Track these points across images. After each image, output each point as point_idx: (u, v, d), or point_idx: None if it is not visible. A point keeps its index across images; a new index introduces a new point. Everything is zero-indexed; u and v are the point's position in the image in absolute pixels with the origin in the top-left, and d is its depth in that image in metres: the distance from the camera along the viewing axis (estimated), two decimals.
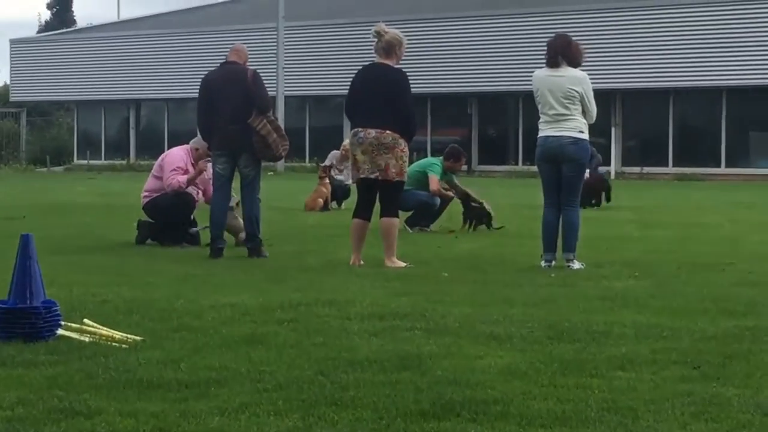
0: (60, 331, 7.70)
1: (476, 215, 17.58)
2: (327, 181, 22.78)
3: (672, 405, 5.87)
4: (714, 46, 41.67)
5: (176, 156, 15.25)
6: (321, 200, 22.27)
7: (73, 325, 7.85)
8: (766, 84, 41.18)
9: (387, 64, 12.43)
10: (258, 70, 14.00)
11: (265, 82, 13.87)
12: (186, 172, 14.87)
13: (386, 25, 12.82)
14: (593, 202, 23.22)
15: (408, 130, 12.45)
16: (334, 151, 24.14)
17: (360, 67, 12.84)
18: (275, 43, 44.60)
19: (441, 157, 18.21)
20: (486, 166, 44.75)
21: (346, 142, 19.22)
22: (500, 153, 46.40)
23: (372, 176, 12.40)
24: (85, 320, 8.00)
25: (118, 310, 8.83)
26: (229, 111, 13.31)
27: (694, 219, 20.93)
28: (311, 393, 6.12)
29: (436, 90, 45.14)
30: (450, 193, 17.78)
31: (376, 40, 12.46)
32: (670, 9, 42.97)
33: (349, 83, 12.80)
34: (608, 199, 23.74)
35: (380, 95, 12.38)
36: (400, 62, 12.61)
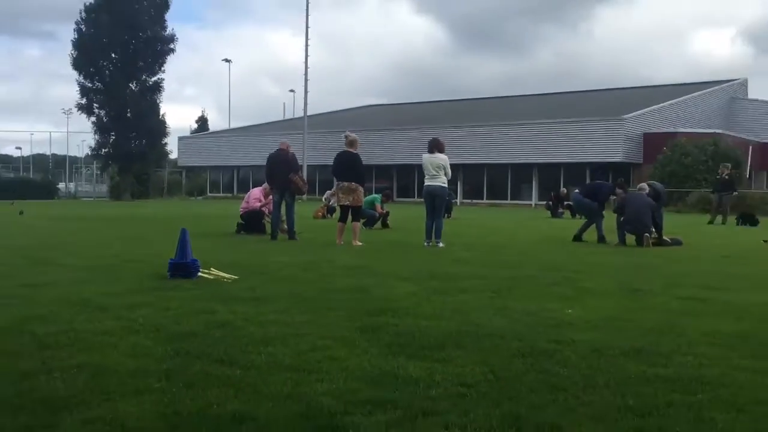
0: (199, 274, 7.68)
1: (384, 221, 17.59)
2: (323, 205, 22.88)
3: (485, 309, 5.88)
4: (503, 146, 42.00)
5: (256, 192, 15.35)
6: (320, 213, 22.25)
7: (206, 270, 7.83)
8: (525, 162, 41.52)
9: (350, 151, 12.40)
10: (294, 153, 13.99)
11: (297, 157, 13.90)
12: (260, 200, 14.97)
13: (350, 131, 13.02)
14: (447, 215, 23.19)
15: (360, 181, 12.47)
16: (328, 191, 24.17)
17: (338, 152, 12.78)
18: (302, 140, 44.64)
19: (380, 195, 18.41)
20: (401, 198, 44.64)
21: (333, 188, 19.17)
22: (407, 192, 46.31)
23: (347, 203, 12.43)
24: (212, 268, 7.97)
25: (226, 264, 8.78)
26: (280, 171, 13.22)
27: (495, 224, 21.05)
28: (317, 303, 6.11)
29: (377, 162, 45.20)
30: (382, 212, 17.83)
31: (345, 138, 12.55)
32: (485, 127, 43.35)
33: (333, 160, 12.74)
34: (449, 215, 23.76)
35: (348, 166, 12.36)
36: (359, 150, 12.65)
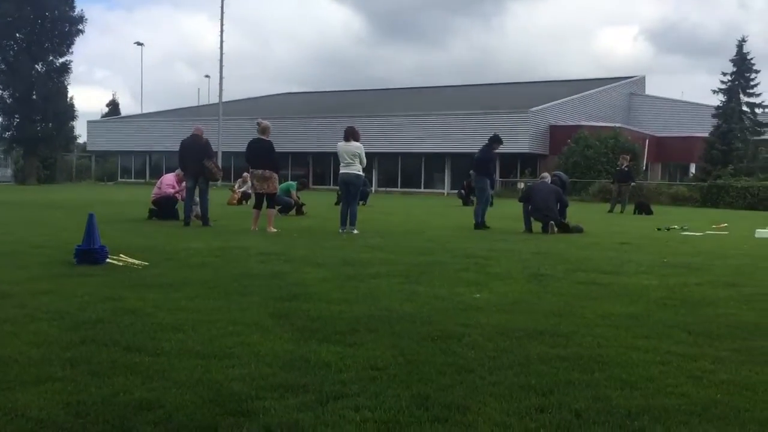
0: (108, 260, 7.42)
1: (299, 208, 17.52)
2: (236, 189, 22.56)
3: (396, 294, 5.93)
4: (417, 135, 42.43)
5: (169, 177, 15.04)
6: (235, 200, 21.91)
7: (114, 257, 7.57)
8: (440, 152, 42.10)
9: (263, 138, 12.27)
10: (208, 139, 13.73)
11: (211, 143, 13.71)
12: (173, 186, 14.67)
13: (263, 118, 12.88)
14: (363, 203, 23.31)
15: (275, 169, 12.36)
16: (240, 179, 23.84)
17: (251, 139, 12.56)
18: (217, 125, 43.70)
19: (296, 182, 18.35)
20: (317, 185, 44.38)
21: (246, 174, 18.87)
22: (323, 179, 46.11)
23: (261, 191, 12.30)
24: (121, 255, 7.71)
25: (136, 250, 8.51)
26: (193, 157, 12.96)
27: (409, 212, 21.23)
28: (229, 289, 6.02)
29: (292, 150, 44.77)
30: (297, 199, 17.70)
31: (257, 126, 12.40)
32: (400, 117, 43.66)
33: (246, 147, 12.49)
34: (365, 203, 23.85)
35: (261, 153, 12.22)
36: (272, 137, 12.52)
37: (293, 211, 17.53)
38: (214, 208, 14.97)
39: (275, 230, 12.05)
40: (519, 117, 40.09)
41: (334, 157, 42.51)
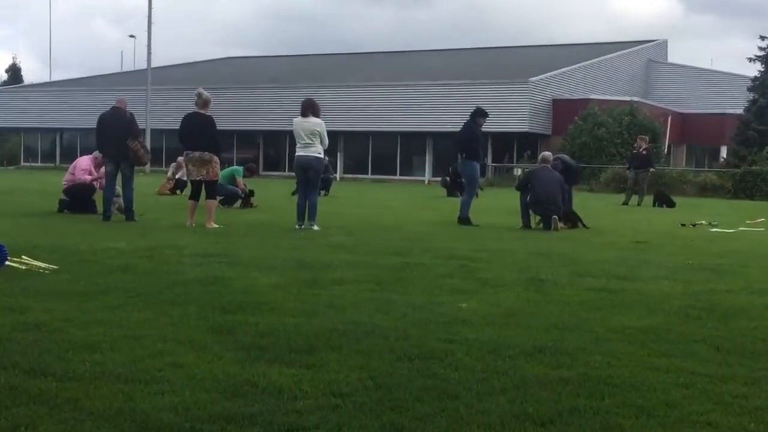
0: (7, 263, 7.35)
1: (247, 200, 17.49)
2: (168, 178, 22.57)
3: (365, 305, 5.97)
4: (393, 110, 42.52)
5: (84, 161, 15.02)
6: (167, 189, 21.85)
7: (16, 259, 7.50)
8: (420, 131, 42.29)
9: (202, 113, 12.26)
10: (133, 113, 13.68)
11: (137, 119, 13.70)
12: (89, 172, 14.63)
13: (204, 89, 12.83)
14: (325, 193, 23.40)
15: (216, 150, 12.36)
16: (173, 164, 23.73)
17: (186, 114, 12.53)
18: (145, 97, 43.38)
19: (243, 167, 18.36)
20: (268, 171, 44.26)
21: (181, 158, 18.80)
22: (275, 164, 46.04)
23: (198, 178, 12.30)
24: (23, 257, 7.64)
25: (43, 250, 8.42)
26: (115, 136, 12.93)
27: (382, 203, 21.29)
28: (158, 298, 6.00)
29: (238, 128, 44.61)
30: (244, 188, 17.65)
31: (197, 97, 12.36)
32: (371, 88, 43.74)
33: (180, 123, 12.48)
34: (327, 193, 23.92)
35: (200, 131, 12.19)
36: (212, 112, 12.49)
37: (239, 203, 17.50)
38: (141, 199, 14.86)
39: (216, 226, 12.01)
40: (516, 88, 40.35)
41: (289, 137, 42.40)
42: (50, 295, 5.98)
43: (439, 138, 41.90)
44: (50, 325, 5.01)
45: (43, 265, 7.37)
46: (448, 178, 27.12)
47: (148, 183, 23.99)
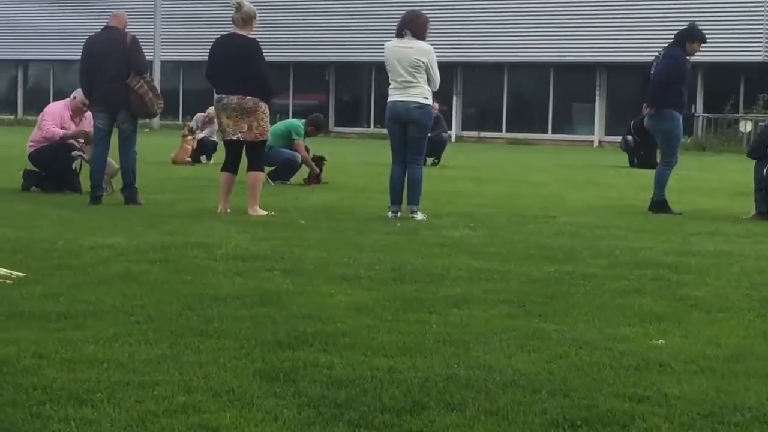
0: None
1: (312, 173, 17.68)
2: (189, 138, 22.80)
3: (500, 338, 5.97)
4: (543, 25, 42.11)
5: (54, 110, 15.29)
6: (187, 156, 22.18)
7: None
8: (586, 61, 41.83)
9: (242, 35, 12.41)
10: (136, 36, 13.86)
11: (142, 46, 13.86)
12: (62, 125, 14.84)
13: None
14: (434, 160, 23.50)
15: (265, 94, 12.50)
16: (199, 114, 24.12)
17: (218, 37, 12.76)
18: (153, 11, 44.09)
19: (305, 121, 18.39)
20: (341, 128, 44.66)
21: (211, 109, 19.04)
22: (354, 116, 46.40)
23: (234, 137, 12.45)
24: None
25: (2, 249, 8.67)
26: (109, 71, 13.17)
27: (524, 177, 21.19)
28: (179, 325, 6.10)
29: (297, 58, 45.04)
30: (307, 156, 17.79)
31: (234, 10, 12.46)
32: None
33: (210, 51, 12.71)
34: (438, 161, 23.99)
35: (238, 63, 12.36)
36: (255, 31, 12.61)
37: (300, 176, 17.65)
38: (148, 171, 15.14)
39: (265, 213, 12.21)
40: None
41: (377, 72, 42.59)
42: (15, 319, 6.13)
43: (618, 72, 41.37)
44: (15, 363, 5.12)
45: (3, 271, 7.54)
46: (630, 137, 26.75)
47: (158, 145, 24.52)
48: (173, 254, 8.81)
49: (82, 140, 14.61)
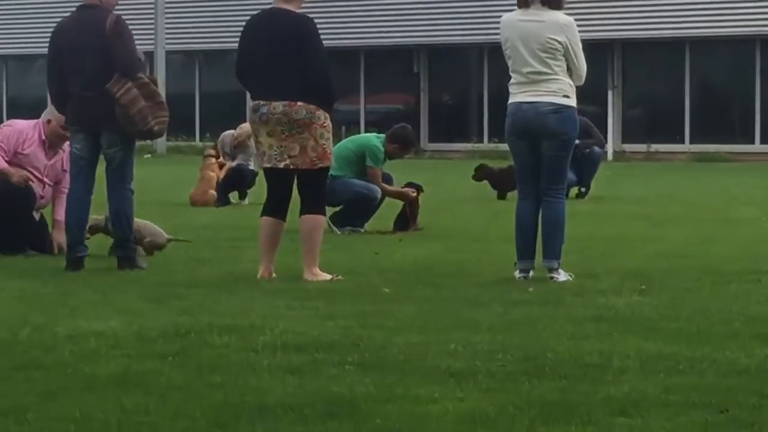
0: None
1: (404, 214, 17.71)
2: (213, 162, 22.82)
3: None
4: None
5: (9, 132, 15.33)
6: (212, 191, 22.22)
7: None
8: None
9: (288, 10, 12.51)
10: (128, 18, 13.90)
11: (135, 32, 13.86)
12: (14, 153, 14.93)
13: None
14: (582, 190, 23.49)
15: (327, 99, 12.57)
16: (228, 132, 23.87)
17: (253, 14, 12.87)
18: None
19: (384, 136, 18.38)
20: (440, 144, 44.79)
21: (245, 126, 19.16)
22: (459, 126, 46.51)
23: (281, 164, 12.52)
24: None
25: None
26: (84, 72, 13.34)
27: (721, 213, 21.06)
28: None
29: (371, 42, 45.22)
30: (391, 189, 17.86)
31: None
32: None
33: (242, 35, 12.81)
34: (585, 191, 23.99)
35: (284, 54, 12.46)
36: (307, 7, 12.64)
37: (381, 221, 17.70)
38: (153, 217, 15.26)
39: (328, 277, 12.32)
40: None
41: (491, 58, 42.33)
42: None
43: None
44: None
45: None
46: None
47: (166, 177, 24.82)
48: (193, 344, 8.82)
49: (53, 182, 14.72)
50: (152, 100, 13.35)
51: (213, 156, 22.90)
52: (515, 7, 12.43)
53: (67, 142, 14.24)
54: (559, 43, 12.18)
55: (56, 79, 13.61)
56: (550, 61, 12.21)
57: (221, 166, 22.70)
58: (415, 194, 17.80)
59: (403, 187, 17.87)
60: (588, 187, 23.92)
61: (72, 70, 13.38)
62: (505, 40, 12.39)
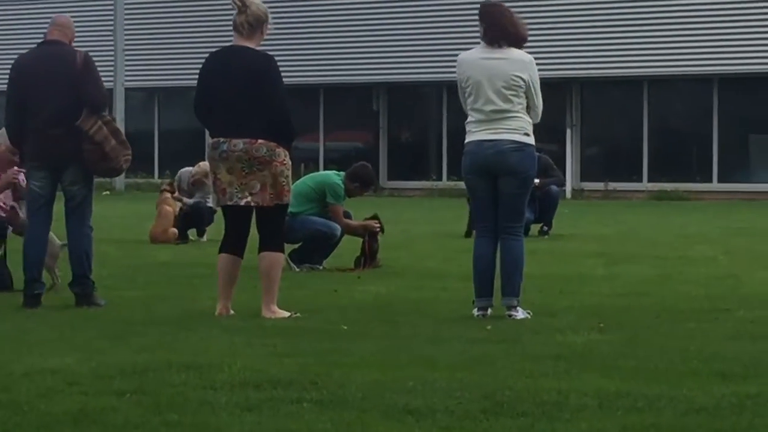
0: None
1: (367, 250, 17.69)
2: (168, 196, 22.80)
3: None
4: (703, 24, 42.24)
5: None
6: (173, 229, 22.20)
7: None
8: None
9: (248, 48, 12.49)
10: (89, 53, 13.87)
11: (102, 67, 13.85)
12: None
13: None
14: (542, 228, 23.56)
15: (287, 136, 12.59)
16: (186, 170, 23.90)
17: (213, 51, 12.86)
18: (112, 17, 44.60)
19: (344, 174, 18.39)
20: (398, 182, 44.80)
21: (203, 164, 19.13)
22: (417, 164, 46.55)
23: (242, 203, 12.52)
24: None
25: None
26: (51, 109, 13.22)
27: (678, 251, 21.10)
28: None
29: (330, 79, 45.29)
30: (350, 224, 17.86)
31: (236, 11, 12.44)
32: None
33: (201, 70, 12.72)
34: (547, 229, 24.06)
35: (245, 91, 12.45)
36: (267, 45, 12.64)
37: (339, 258, 17.70)
38: (111, 254, 15.21)
39: (287, 314, 12.30)
40: None
41: (449, 96, 42.49)
42: None
43: None
44: None
45: None
46: None
47: (125, 215, 24.78)
48: (151, 382, 8.79)
49: (5, 201, 14.67)
50: (117, 138, 13.32)
51: (168, 191, 22.87)
52: (473, 46, 12.43)
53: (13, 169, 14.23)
54: (523, 80, 12.19)
55: (15, 115, 13.52)
56: (514, 99, 12.21)
57: (178, 200, 22.66)
58: (378, 226, 17.80)
59: (365, 220, 17.87)
60: (550, 225, 24.02)
61: (37, 107, 13.26)
62: (467, 78, 12.36)
